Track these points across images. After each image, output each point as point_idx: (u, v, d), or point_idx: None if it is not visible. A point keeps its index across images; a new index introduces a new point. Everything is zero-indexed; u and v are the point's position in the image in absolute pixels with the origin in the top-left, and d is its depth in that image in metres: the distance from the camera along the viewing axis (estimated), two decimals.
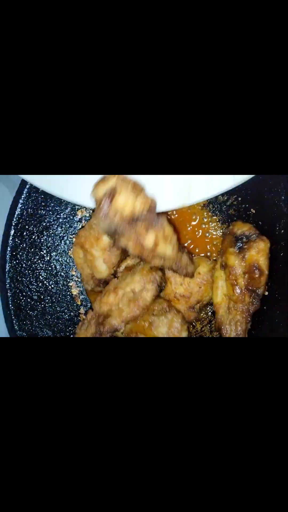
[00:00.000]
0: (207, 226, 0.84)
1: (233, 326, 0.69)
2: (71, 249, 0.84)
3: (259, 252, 0.69)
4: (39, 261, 0.79)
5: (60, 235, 0.82)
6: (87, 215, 0.85)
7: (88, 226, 0.73)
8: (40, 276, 0.79)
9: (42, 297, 0.79)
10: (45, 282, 0.80)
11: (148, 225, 0.60)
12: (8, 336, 0.99)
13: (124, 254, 0.75)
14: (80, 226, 0.85)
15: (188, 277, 0.72)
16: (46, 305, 0.80)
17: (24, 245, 0.77)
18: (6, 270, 0.74)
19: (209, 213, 0.84)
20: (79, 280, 0.84)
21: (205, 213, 0.84)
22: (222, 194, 0.82)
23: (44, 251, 0.80)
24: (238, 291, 0.70)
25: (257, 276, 0.68)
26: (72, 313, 0.83)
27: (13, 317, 0.74)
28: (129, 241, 0.61)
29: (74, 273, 0.84)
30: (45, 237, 0.80)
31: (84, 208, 0.85)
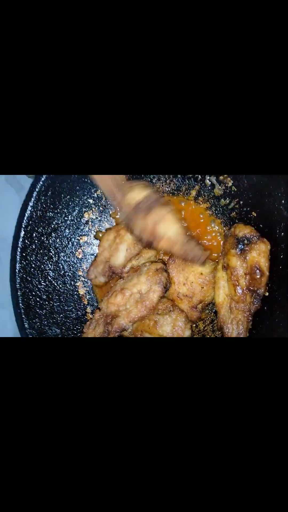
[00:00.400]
0: (210, 228, 0.86)
1: (235, 325, 0.72)
2: (78, 250, 0.87)
3: (260, 254, 0.71)
4: (47, 261, 0.82)
5: (68, 236, 0.85)
6: (94, 217, 0.88)
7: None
8: (49, 276, 0.82)
9: (50, 296, 0.82)
10: (53, 282, 0.83)
11: (149, 209, 0.68)
12: (19, 333, 1.03)
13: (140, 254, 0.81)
14: (87, 228, 0.88)
15: (199, 263, 0.74)
16: (54, 304, 0.82)
17: (34, 246, 0.79)
18: (17, 270, 0.77)
19: (213, 216, 0.87)
20: (86, 280, 0.87)
21: (207, 215, 0.87)
22: (225, 198, 0.85)
23: (53, 252, 0.83)
24: (240, 291, 0.72)
25: (258, 276, 0.71)
26: (79, 312, 0.86)
27: (23, 316, 0.77)
28: (138, 226, 0.70)
29: (81, 273, 0.87)
30: (53, 238, 0.83)
31: (91, 210, 0.88)
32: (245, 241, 0.73)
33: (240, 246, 0.73)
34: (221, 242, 0.85)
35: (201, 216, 0.87)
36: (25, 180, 1.15)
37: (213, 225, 0.86)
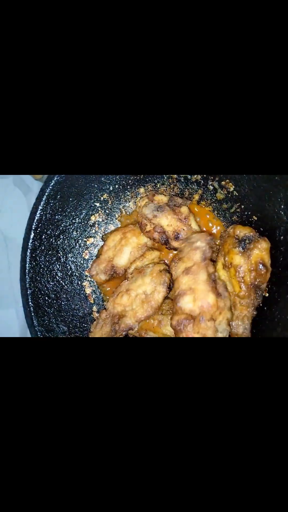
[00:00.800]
0: (212, 224, 0.90)
1: (240, 321, 0.75)
2: (85, 251, 0.90)
3: (262, 251, 0.75)
4: (56, 262, 0.85)
5: (75, 238, 0.88)
6: (100, 220, 0.92)
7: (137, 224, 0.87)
8: (57, 276, 0.85)
9: (58, 295, 0.85)
10: (61, 281, 0.86)
11: None
12: (26, 332, 1.06)
13: (143, 256, 0.84)
14: (94, 230, 0.91)
15: None
16: (62, 303, 0.86)
17: (43, 247, 0.82)
18: (27, 270, 0.80)
19: (216, 217, 0.90)
20: (92, 280, 0.90)
21: (213, 218, 0.91)
22: (226, 202, 0.88)
23: (61, 253, 0.86)
24: (244, 288, 0.75)
25: (263, 272, 0.74)
26: (85, 311, 0.89)
27: (32, 314, 0.80)
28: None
29: (87, 273, 0.90)
30: (62, 240, 0.86)
31: (97, 213, 0.91)
32: (247, 240, 0.76)
33: (242, 245, 0.76)
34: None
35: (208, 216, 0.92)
36: (32, 183, 1.18)
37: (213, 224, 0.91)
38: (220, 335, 0.68)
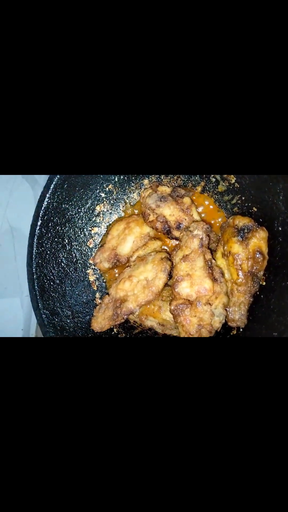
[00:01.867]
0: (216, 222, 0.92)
1: (237, 308, 0.78)
2: (89, 240, 0.93)
3: (260, 240, 0.77)
4: (61, 249, 0.88)
5: (80, 227, 0.92)
6: (105, 210, 0.95)
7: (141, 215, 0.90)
8: (62, 263, 0.88)
9: (63, 281, 0.88)
10: (66, 268, 0.89)
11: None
12: (29, 322, 1.09)
13: (146, 245, 0.87)
14: (98, 220, 0.94)
15: None
16: (67, 288, 0.89)
17: (49, 235, 0.85)
18: (33, 256, 0.83)
19: (219, 208, 0.93)
20: (96, 268, 0.93)
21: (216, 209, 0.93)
22: (228, 194, 0.90)
23: (66, 241, 0.89)
24: (242, 275, 0.78)
25: (260, 260, 0.76)
26: (89, 297, 0.92)
27: (38, 298, 0.83)
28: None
29: (91, 261, 0.93)
30: (67, 228, 0.89)
31: (102, 203, 0.94)
32: (246, 230, 0.79)
33: (240, 234, 0.79)
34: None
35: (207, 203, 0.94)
36: (40, 176, 1.22)
37: (206, 202, 0.94)
38: (216, 319, 0.71)
